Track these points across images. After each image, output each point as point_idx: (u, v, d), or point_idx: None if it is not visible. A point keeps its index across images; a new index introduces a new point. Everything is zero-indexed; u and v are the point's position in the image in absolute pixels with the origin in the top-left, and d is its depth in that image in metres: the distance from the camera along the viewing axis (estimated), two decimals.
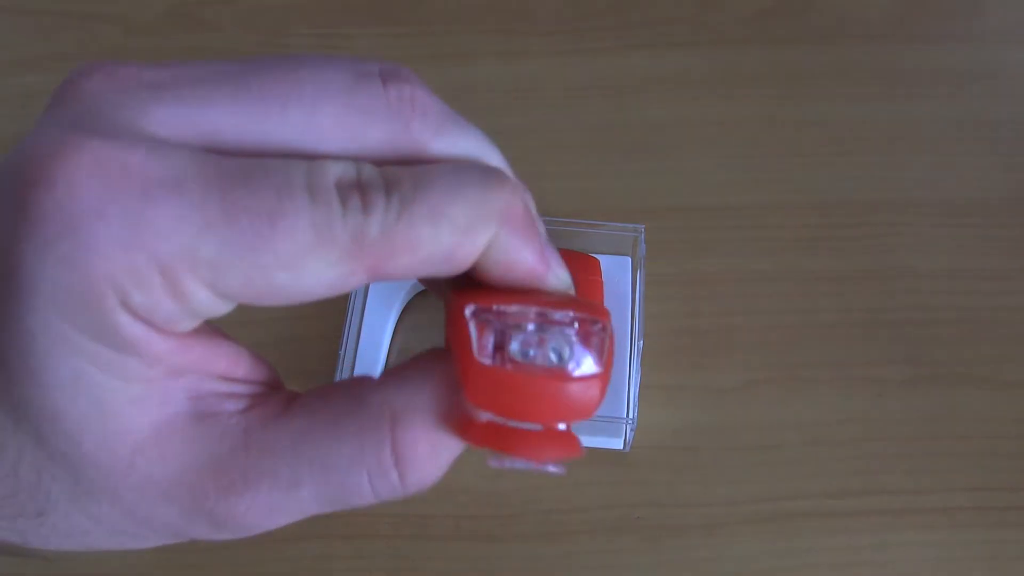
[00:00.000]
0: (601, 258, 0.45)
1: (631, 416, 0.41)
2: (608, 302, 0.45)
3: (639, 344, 0.43)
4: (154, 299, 0.16)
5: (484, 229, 0.18)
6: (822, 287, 0.47)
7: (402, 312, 0.46)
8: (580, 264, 0.45)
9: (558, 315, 0.19)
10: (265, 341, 0.42)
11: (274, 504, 0.19)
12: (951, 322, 0.46)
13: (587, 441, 0.42)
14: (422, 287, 0.45)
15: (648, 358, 0.43)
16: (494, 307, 0.19)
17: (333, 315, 0.45)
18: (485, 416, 0.19)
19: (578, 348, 0.19)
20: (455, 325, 0.19)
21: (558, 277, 0.20)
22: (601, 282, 0.44)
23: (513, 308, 0.19)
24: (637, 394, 0.41)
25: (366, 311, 0.44)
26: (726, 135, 0.52)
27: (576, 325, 0.19)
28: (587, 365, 0.19)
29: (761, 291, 0.47)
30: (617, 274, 0.46)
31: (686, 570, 0.40)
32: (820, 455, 0.43)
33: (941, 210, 0.49)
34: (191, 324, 0.17)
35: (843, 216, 0.49)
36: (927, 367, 0.45)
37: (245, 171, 0.16)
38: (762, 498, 0.42)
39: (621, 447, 0.42)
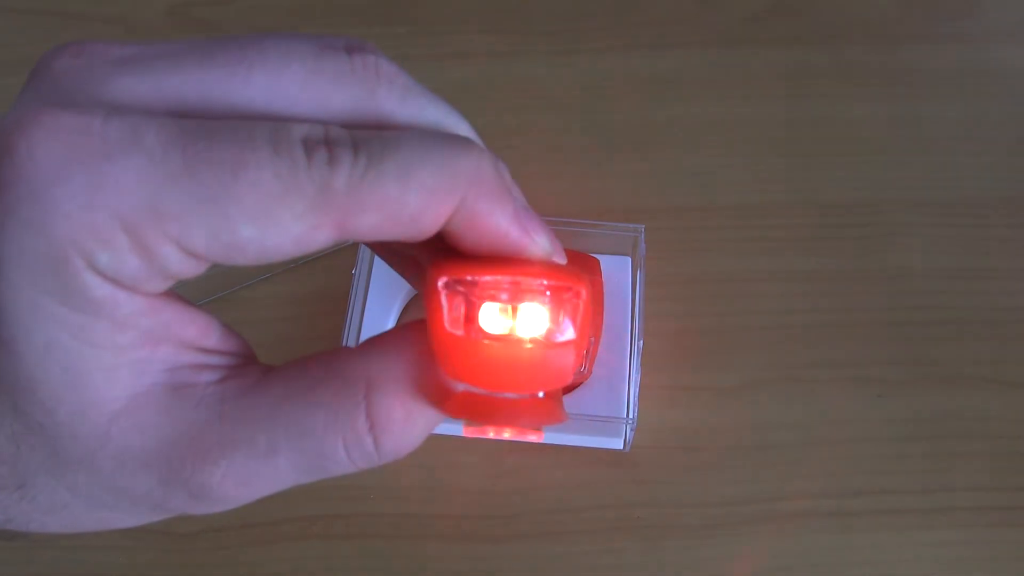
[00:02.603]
0: (601, 258, 0.45)
1: (631, 416, 0.41)
2: (608, 302, 0.45)
3: (639, 344, 0.43)
4: (120, 257, 0.16)
5: (451, 191, 0.18)
6: (822, 287, 0.47)
7: (402, 312, 0.46)
8: (580, 264, 0.45)
9: (531, 284, 0.19)
10: (265, 341, 0.42)
11: (251, 473, 0.19)
12: (951, 322, 0.46)
13: (587, 441, 0.42)
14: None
15: (648, 358, 0.43)
16: (467, 278, 0.19)
17: (333, 315, 0.45)
18: (461, 387, 0.19)
19: (550, 316, 0.19)
20: (428, 297, 0.19)
21: (538, 244, 0.19)
22: (601, 282, 0.44)
23: (485, 278, 0.19)
24: (637, 394, 0.41)
25: (366, 311, 0.44)
26: (726, 135, 0.52)
27: (548, 293, 0.19)
28: (560, 332, 0.19)
29: (761, 291, 0.47)
30: (617, 274, 0.46)
31: (686, 570, 0.40)
32: (820, 455, 0.43)
33: (941, 210, 0.49)
34: (161, 285, 0.17)
35: (843, 216, 0.49)
36: (927, 367, 0.45)
37: (208, 128, 0.16)
38: (762, 498, 0.42)
39: (621, 447, 0.42)
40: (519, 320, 0.19)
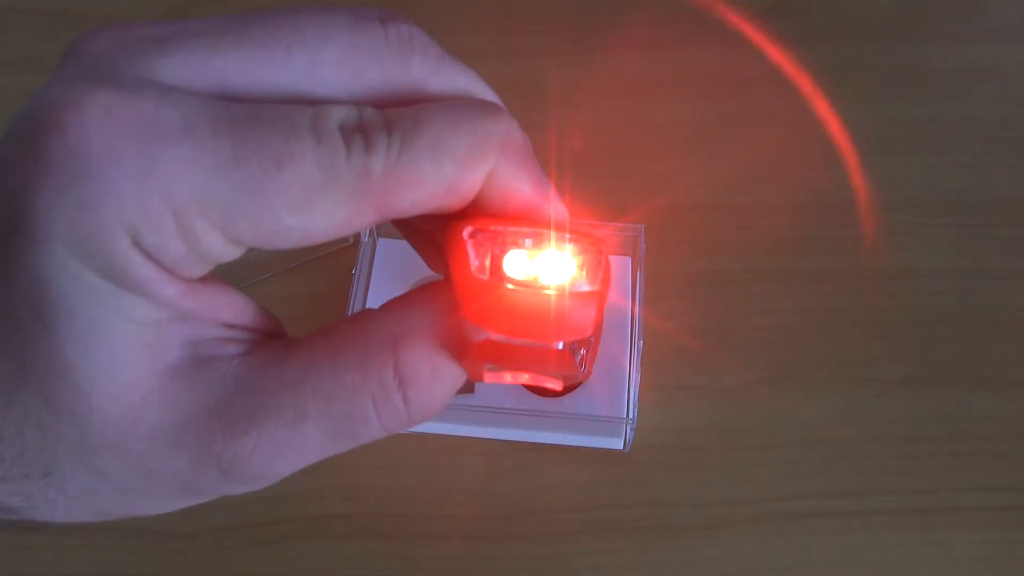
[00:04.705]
0: None
1: (631, 416, 0.41)
2: (608, 302, 0.44)
3: (639, 344, 0.43)
4: (165, 240, 0.16)
5: (484, 159, 0.18)
6: (822, 287, 0.47)
7: None
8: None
9: (554, 235, 0.19)
10: None
11: (281, 443, 0.19)
12: (951, 322, 0.46)
13: (587, 441, 0.42)
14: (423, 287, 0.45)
15: (648, 358, 0.43)
16: (492, 227, 0.19)
17: (333, 315, 0.45)
18: (483, 335, 0.19)
19: (573, 266, 0.20)
20: (453, 247, 0.19)
21: (557, 208, 0.20)
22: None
23: (511, 228, 0.19)
24: (637, 394, 0.41)
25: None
26: (726, 135, 0.52)
27: (571, 244, 0.20)
28: (582, 283, 0.20)
29: (761, 291, 0.47)
30: (617, 274, 0.46)
31: (686, 570, 0.40)
32: (820, 455, 0.43)
33: (941, 210, 0.49)
34: (200, 269, 0.17)
35: (843, 216, 0.49)
36: (927, 367, 0.45)
37: (253, 116, 0.17)
38: (762, 498, 0.42)
39: (621, 447, 0.42)
40: (542, 268, 0.20)
